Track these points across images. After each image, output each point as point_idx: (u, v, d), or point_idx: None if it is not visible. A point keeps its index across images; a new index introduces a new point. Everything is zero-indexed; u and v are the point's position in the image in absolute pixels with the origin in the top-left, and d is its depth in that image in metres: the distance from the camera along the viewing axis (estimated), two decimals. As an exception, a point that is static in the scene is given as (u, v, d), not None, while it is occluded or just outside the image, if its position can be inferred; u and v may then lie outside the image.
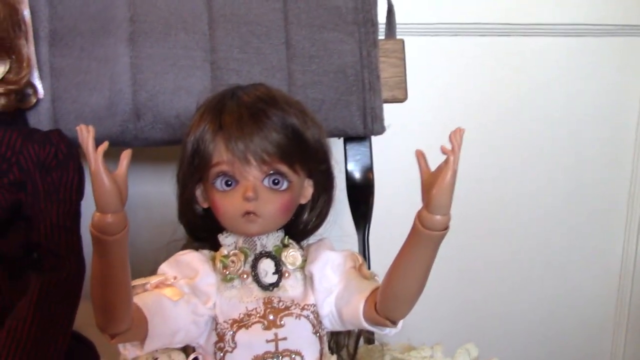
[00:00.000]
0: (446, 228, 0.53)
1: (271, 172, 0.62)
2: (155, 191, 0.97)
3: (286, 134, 0.62)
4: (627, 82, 1.33)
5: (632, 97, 1.34)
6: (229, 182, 0.62)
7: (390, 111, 0.95)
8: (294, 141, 0.62)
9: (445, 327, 1.31)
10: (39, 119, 0.83)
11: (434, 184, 0.51)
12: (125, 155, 0.50)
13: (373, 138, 0.95)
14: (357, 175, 0.94)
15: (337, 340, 0.73)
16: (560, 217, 1.37)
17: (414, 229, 0.53)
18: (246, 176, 0.61)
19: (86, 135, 0.47)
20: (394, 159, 1.13)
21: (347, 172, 0.94)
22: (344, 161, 0.94)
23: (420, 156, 0.54)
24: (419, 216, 0.52)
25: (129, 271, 0.52)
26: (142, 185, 1.02)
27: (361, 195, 0.94)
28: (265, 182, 0.62)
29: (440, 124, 1.21)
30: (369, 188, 0.94)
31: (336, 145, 0.97)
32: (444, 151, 0.51)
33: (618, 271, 1.45)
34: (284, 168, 0.62)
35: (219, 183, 0.62)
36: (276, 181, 0.62)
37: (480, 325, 1.37)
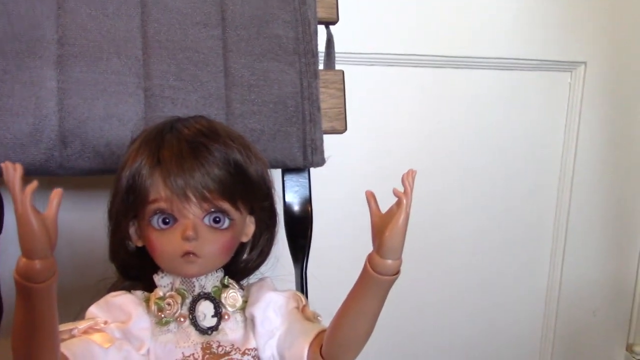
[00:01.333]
0: (397, 272, 0.51)
1: (212, 209, 0.59)
2: (81, 223, 0.92)
3: (228, 169, 0.59)
4: (552, 113, 1.38)
5: (557, 127, 1.40)
6: (167, 220, 0.58)
7: (328, 141, 0.94)
8: (236, 177, 0.60)
9: (382, 358, 1.30)
10: (-46, 146, 0.77)
11: (386, 227, 0.50)
12: (55, 195, 0.46)
13: (311, 169, 0.93)
14: (295, 207, 0.92)
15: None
16: (489, 240, 1.40)
17: (364, 273, 0.51)
18: (186, 214, 0.58)
19: (12, 173, 0.43)
20: (332, 191, 1.12)
21: (285, 204, 0.91)
22: (282, 192, 0.92)
23: (371, 197, 0.52)
24: (370, 260, 0.51)
25: (57, 320, 0.48)
26: (67, 216, 0.96)
27: (299, 228, 0.92)
28: (206, 220, 0.59)
29: (378, 152, 1.22)
30: (307, 220, 0.92)
31: (274, 177, 0.95)
32: (396, 194, 0.50)
33: (544, 293, 1.49)
34: (225, 205, 0.59)
35: (156, 221, 0.58)
36: (217, 219, 0.59)
37: (415, 346, 1.37)
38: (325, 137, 0.92)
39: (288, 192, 0.92)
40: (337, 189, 1.14)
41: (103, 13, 0.82)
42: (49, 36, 0.80)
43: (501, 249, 1.41)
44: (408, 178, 0.50)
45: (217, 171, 0.58)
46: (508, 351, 1.49)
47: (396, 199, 0.50)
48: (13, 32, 0.79)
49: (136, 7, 0.83)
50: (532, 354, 1.52)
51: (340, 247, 1.07)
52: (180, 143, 0.59)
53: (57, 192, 0.46)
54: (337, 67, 0.95)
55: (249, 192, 0.61)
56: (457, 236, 1.36)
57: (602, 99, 1.38)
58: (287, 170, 0.91)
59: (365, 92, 1.18)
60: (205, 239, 0.58)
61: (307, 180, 0.92)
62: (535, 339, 1.52)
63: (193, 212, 0.58)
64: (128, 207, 0.60)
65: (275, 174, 0.93)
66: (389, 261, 0.50)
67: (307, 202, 0.92)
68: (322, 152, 0.88)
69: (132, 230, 0.62)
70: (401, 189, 0.50)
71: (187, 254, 0.58)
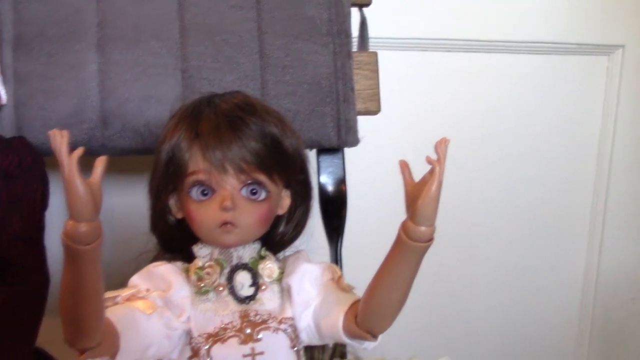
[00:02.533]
0: (431, 239, 0.52)
1: (249, 181, 0.60)
2: (121, 202, 0.94)
3: (265, 143, 0.60)
4: (589, 98, 1.36)
5: (594, 113, 1.38)
6: (205, 192, 0.60)
7: (362, 123, 0.95)
8: (272, 150, 0.61)
9: (417, 340, 1.31)
10: (2, 125, 0.80)
11: (419, 195, 0.50)
12: (100, 162, 0.48)
13: (346, 150, 0.94)
14: (329, 187, 0.93)
15: (311, 355, 0.72)
16: (526, 229, 1.39)
17: (398, 240, 0.52)
18: (223, 185, 0.59)
19: (59, 140, 0.45)
20: (366, 171, 1.12)
21: (319, 184, 0.93)
22: (317, 173, 0.93)
23: (405, 167, 0.53)
24: (404, 227, 0.52)
25: (102, 283, 0.50)
26: (106, 196, 0.99)
27: (334, 208, 0.93)
28: (243, 191, 0.60)
29: (411, 136, 1.22)
30: (341, 200, 0.93)
31: (309, 157, 0.96)
32: (429, 161, 0.50)
33: (581, 282, 1.48)
34: (262, 178, 0.60)
35: (195, 193, 0.60)
36: (254, 191, 0.61)
37: (452, 335, 1.38)
38: (359, 118, 0.93)
39: (322, 173, 0.93)
40: (371, 170, 1.15)
41: (142, -4, 0.85)
42: (89, 20, 0.83)
43: (538, 236, 1.40)
44: (441, 146, 0.50)
45: (254, 144, 0.59)
46: (545, 339, 1.48)
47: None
48: (57, 17, 0.82)
49: (174, -9, 0.85)
50: (569, 341, 1.51)
51: (373, 227, 1.07)
52: (217, 117, 0.60)
53: (101, 160, 0.48)
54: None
55: (284, 164, 0.62)
56: (494, 223, 1.36)
57: (641, 84, 1.36)
58: (321, 151, 0.93)
59: (398, 77, 1.19)
60: (243, 210, 0.60)
61: (341, 161, 0.93)
62: (573, 327, 1.50)
63: (230, 184, 0.59)
64: (168, 179, 0.62)
65: (310, 156, 0.95)
66: (423, 228, 0.51)
67: (341, 182, 0.93)
68: (355, 132, 0.89)
69: (171, 203, 0.64)
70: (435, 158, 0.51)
71: (225, 224, 0.59)
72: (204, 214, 0.60)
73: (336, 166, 0.93)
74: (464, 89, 1.25)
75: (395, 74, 1.17)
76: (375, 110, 0.93)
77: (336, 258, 0.92)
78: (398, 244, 0.52)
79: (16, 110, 0.80)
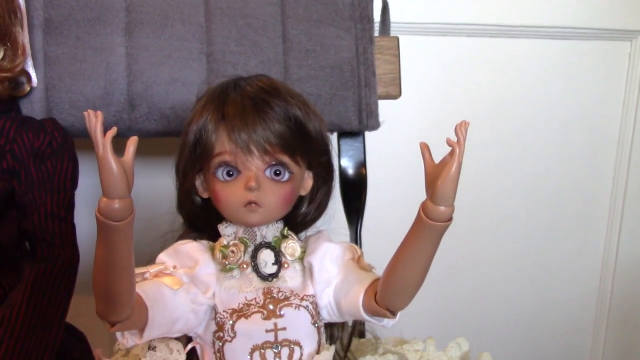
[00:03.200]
0: (450, 219, 0.53)
1: (273, 162, 0.62)
2: (148, 183, 0.97)
3: (289, 125, 0.62)
4: (610, 84, 1.36)
5: (615, 99, 1.37)
6: (231, 172, 0.62)
7: (382, 107, 0.96)
8: (296, 132, 0.63)
9: (434, 322, 1.33)
10: (32, 107, 0.82)
11: (439, 176, 0.52)
12: (132, 142, 0.50)
13: (366, 134, 0.95)
14: (350, 170, 0.95)
15: (331, 333, 0.73)
16: (545, 216, 1.39)
17: (418, 220, 0.54)
18: (248, 166, 0.61)
19: (94, 120, 0.47)
20: (386, 155, 1.14)
21: (340, 168, 0.94)
22: (337, 157, 0.95)
23: (425, 148, 0.54)
24: (424, 207, 0.53)
25: (133, 258, 0.52)
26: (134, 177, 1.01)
27: (354, 191, 0.95)
28: (267, 172, 0.62)
29: (431, 121, 1.23)
30: (362, 183, 0.95)
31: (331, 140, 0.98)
32: (449, 143, 0.52)
33: (599, 270, 1.48)
34: (285, 159, 0.62)
35: (221, 173, 0.62)
36: (278, 172, 0.62)
37: (470, 320, 1.39)
38: (380, 102, 0.94)
39: (343, 157, 0.95)
40: (391, 154, 1.16)
41: (168, -18, 0.86)
42: (118, 5, 0.84)
43: (557, 223, 1.41)
44: (461, 128, 0.52)
45: (278, 126, 0.61)
46: (562, 327, 1.48)
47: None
48: (85, 1, 0.84)
49: (200, -24, 0.87)
50: (586, 330, 1.51)
51: (392, 209, 1.09)
52: (243, 99, 0.62)
53: (132, 140, 0.50)
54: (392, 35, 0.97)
55: (307, 146, 0.64)
56: (513, 211, 1.36)
57: (663, 70, 1.35)
58: (342, 135, 0.94)
59: (419, 61, 1.19)
60: (267, 190, 0.62)
61: (362, 145, 0.95)
62: (590, 316, 1.51)
63: (255, 165, 0.61)
64: (195, 159, 0.64)
65: (331, 139, 0.96)
66: (442, 208, 0.52)
67: (362, 166, 0.95)
68: (376, 116, 0.91)
69: (198, 183, 0.66)
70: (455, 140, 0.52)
71: (249, 203, 0.61)
72: (230, 193, 0.62)
73: (357, 149, 0.94)
74: (485, 74, 1.25)
75: (416, 59, 1.18)
76: (396, 95, 0.94)
77: (356, 239, 0.94)
78: (418, 223, 0.54)
79: (46, 92, 0.82)
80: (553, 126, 1.34)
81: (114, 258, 0.50)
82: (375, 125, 0.91)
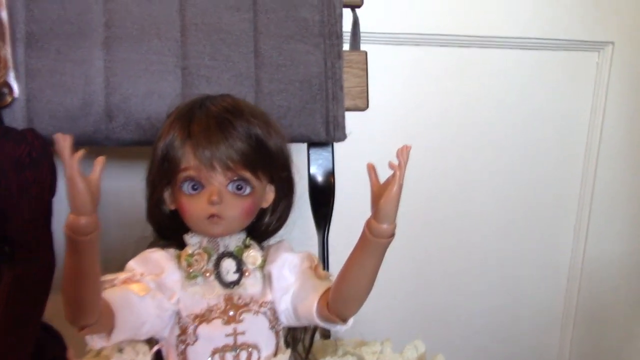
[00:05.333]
0: (392, 235, 0.58)
1: (235, 178, 0.66)
2: (125, 189, 1.01)
3: (250, 143, 0.66)
4: (579, 93, 1.41)
5: (583, 107, 1.43)
6: (196, 187, 0.66)
7: (352, 118, 1.00)
8: (257, 150, 0.67)
9: (396, 324, 1.37)
10: (14, 117, 0.86)
11: (382, 195, 0.56)
12: (99, 162, 0.54)
13: (336, 144, 1.00)
14: (319, 178, 0.99)
15: (293, 335, 0.78)
16: (513, 216, 1.44)
17: (362, 236, 0.59)
18: (212, 182, 0.66)
19: (63, 143, 0.51)
20: (355, 164, 1.18)
21: (309, 176, 0.99)
22: (307, 165, 0.99)
23: (371, 169, 0.59)
24: (368, 225, 0.58)
25: (100, 268, 0.56)
26: (112, 183, 1.05)
27: (322, 198, 0.99)
28: (230, 187, 0.67)
29: (401, 131, 1.28)
30: (330, 191, 0.99)
31: (300, 150, 1.02)
32: (391, 166, 0.56)
33: (567, 269, 1.53)
34: (247, 174, 0.67)
35: (186, 187, 0.67)
36: (239, 187, 0.67)
37: (429, 322, 1.44)
38: (350, 113, 0.99)
39: (312, 165, 0.99)
40: (359, 163, 1.20)
41: (145, -2, 0.90)
42: (97, 20, 0.88)
43: (524, 223, 1.46)
44: (402, 153, 0.56)
45: (240, 144, 0.66)
46: (529, 326, 1.54)
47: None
48: (66, 16, 0.87)
49: (175, -8, 0.91)
50: (553, 328, 1.57)
51: (359, 216, 1.14)
52: (208, 119, 0.66)
53: (100, 159, 0.54)
54: (363, 46, 1.01)
55: (268, 163, 0.69)
56: (480, 210, 1.41)
57: (630, 80, 1.40)
58: (312, 144, 0.98)
59: (390, 71, 1.24)
60: (229, 204, 0.66)
61: (330, 154, 0.99)
62: (557, 314, 1.56)
63: (218, 180, 0.66)
64: (163, 174, 0.68)
65: (302, 148, 1.01)
66: (385, 225, 0.57)
67: (330, 174, 0.99)
68: (343, 127, 0.95)
69: (166, 195, 0.70)
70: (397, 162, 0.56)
71: (212, 216, 0.66)
72: (194, 206, 0.66)
73: (325, 159, 0.99)
74: (453, 84, 1.30)
75: (386, 69, 1.22)
76: (363, 107, 0.98)
77: (323, 244, 0.99)
78: (362, 240, 0.59)
79: (27, 103, 0.86)
80: (523, 133, 1.39)
81: (80, 269, 0.54)
82: (341, 136, 0.95)
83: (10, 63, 0.85)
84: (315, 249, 0.99)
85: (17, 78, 0.86)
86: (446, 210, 1.37)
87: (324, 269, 0.96)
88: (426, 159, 1.31)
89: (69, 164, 0.50)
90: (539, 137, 1.41)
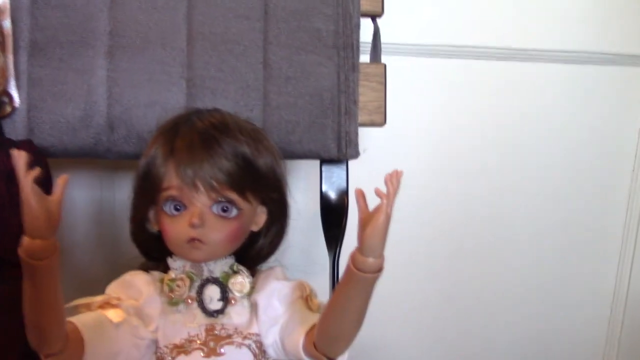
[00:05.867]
0: (379, 270, 0.52)
1: (220, 199, 0.62)
2: (122, 203, 0.98)
3: (237, 162, 0.62)
4: (625, 111, 1.31)
5: (630, 126, 1.33)
6: (178, 207, 0.62)
7: (369, 134, 0.95)
8: (244, 169, 0.62)
9: (422, 354, 1.30)
10: (15, 127, 0.84)
11: (367, 226, 0.51)
12: (61, 181, 0.50)
13: (351, 161, 0.94)
14: (331, 197, 0.94)
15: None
16: (555, 243, 1.35)
17: (347, 270, 0.53)
18: (194, 202, 0.61)
19: (19, 160, 0.47)
20: (371, 184, 1.12)
21: (321, 194, 0.93)
22: (319, 182, 0.94)
23: (360, 196, 0.53)
24: (352, 258, 0.52)
25: (61, 294, 0.52)
26: (107, 195, 1.04)
27: (334, 218, 0.94)
28: (214, 209, 0.62)
29: (422, 149, 1.21)
30: (342, 210, 0.94)
31: (313, 166, 0.97)
32: (378, 194, 0.51)
33: (610, 299, 1.43)
34: (233, 196, 0.62)
35: (168, 207, 0.62)
36: (225, 208, 0.62)
37: (458, 353, 1.36)
38: (366, 129, 0.93)
39: (325, 182, 0.94)
40: (377, 182, 1.15)
41: (152, 6, 0.87)
42: (101, 28, 0.85)
43: (567, 249, 1.36)
44: (392, 179, 0.50)
45: (226, 163, 0.61)
46: (570, 355, 1.44)
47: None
48: (69, 24, 0.85)
49: (183, 0, 0.87)
50: (595, 354, 1.47)
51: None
52: (192, 135, 0.62)
53: (62, 178, 0.50)
54: (383, 58, 0.95)
55: (257, 183, 0.64)
56: (522, 235, 1.33)
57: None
58: (325, 161, 0.93)
59: (412, 85, 1.17)
60: (212, 227, 0.61)
61: (344, 172, 0.94)
62: (599, 344, 1.46)
63: (201, 201, 0.61)
64: (144, 192, 0.64)
65: (314, 164, 0.95)
66: (370, 259, 0.51)
67: (344, 194, 0.94)
68: (356, 145, 0.89)
69: (151, 215, 0.66)
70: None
71: (192, 240, 0.61)
72: (174, 228, 0.62)
73: (339, 177, 0.93)
74: (484, 100, 1.22)
75: (408, 82, 1.16)
76: (380, 123, 0.92)
77: (333, 266, 0.93)
78: (347, 274, 0.53)
79: (28, 113, 0.84)
80: (565, 153, 1.30)
81: (39, 295, 0.51)
82: (354, 154, 0.89)
83: (11, 72, 0.82)
84: (326, 272, 0.94)
85: (19, 87, 0.84)
86: (479, 234, 1.29)
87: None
88: (453, 181, 1.24)
89: (23, 182, 0.47)
90: (583, 157, 1.31)
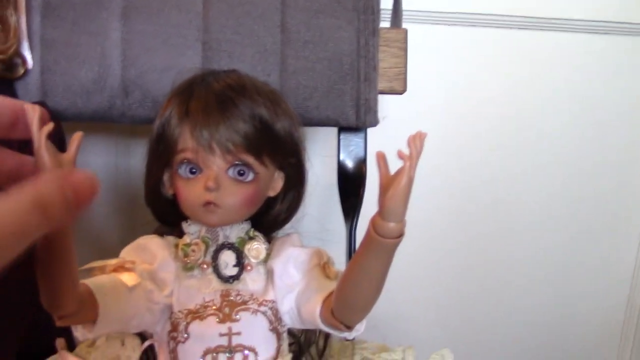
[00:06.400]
0: (400, 236, 0.50)
1: (236, 162, 0.60)
2: (137, 168, 0.97)
3: (254, 124, 0.60)
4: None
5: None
6: (193, 170, 0.60)
7: (388, 102, 0.92)
8: (261, 132, 0.60)
9: (426, 333, 1.29)
10: (28, 90, 0.82)
11: (389, 189, 0.49)
12: (76, 137, 0.48)
13: (370, 129, 0.92)
14: (349, 165, 0.92)
15: (307, 336, 0.72)
16: (573, 221, 1.32)
17: (367, 235, 0.51)
18: (210, 165, 0.59)
19: (32, 114, 0.45)
20: (390, 152, 1.10)
21: (339, 162, 0.91)
22: (337, 151, 0.92)
23: (380, 159, 0.51)
24: (373, 222, 0.50)
25: (74, 255, 0.51)
26: (123, 162, 1.02)
27: (352, 187, 0.92)
28: (230, 172, 0.60)
29: (442, 118, 1.18)
30: (360, 180, 0.92)
31: (331, 134, 0.95)
32: (400, 156, 0.48)
33: (630, 280, 1.40)
34: (250, 159, 0.60)
35: (183, 170, 0.61)
36: (241, 172, 0.60)
37: (463, 335, 1.34)
38: (385, 97, 0.91)
39: (343, 151, 0.92)
40: (395, 151, 1.12)
41: (167, -34, 0.84)
42: (115, -12, 0.83)
43: (585, 231, 1.33)
44: (415, 141, 0.48)
45: (242, 125, 0.59)
46: (585, 341, 1.41)
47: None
48: (83, -16, 0.83)
49: (199, -39, 0.85)
50: (610, 347, 1.44)
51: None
52: (208, 96, 0.60)
53: (77, 135, 0.48)
54: (404, 25, 0.92)
55: (274, 147, 0.62)
56: (536, 215, 1.30)
57: None
58: (342, 129, 0.91)
59: (434, 53, 1.14)
60: (227, 191, 0.60)
61: (362, 140, 0.92)
62: (617, 329, 1.43)
63: (217, 164, 0.59)
64: (158, 155, 0.62)
65: (332, 132, 0.93)
66: (391, 224, 0.49)
67: (362, 162, 0.92)
68: (375, 112, 0.87)
69: (165, 178, 0.64)
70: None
71: (207, 203, 0.59)
72: (190, 192, 0.60)
73: (357, 145, 0.91)
74: (506, 70, 1.19)
75: (429, 50, 1.13)
76: (400, 90, 0.90)
77: (350, 236, 0.91)
78: (367, 239, 0.51)
79: (42, 75, 0.82)
80: (586, 128, 1.26)
81: (52, 256, 0.49)
82: (373, 121, 0.87)
83: (23, 33, 0.81)
84: (343, 242, 0.92)
85: (32, 48, 0.82)
86: (491, 213, 1.26)
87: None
88: (469, 154, 1.21)
89: (37, 137, 0.45)
90: (604, 135, 1.27)
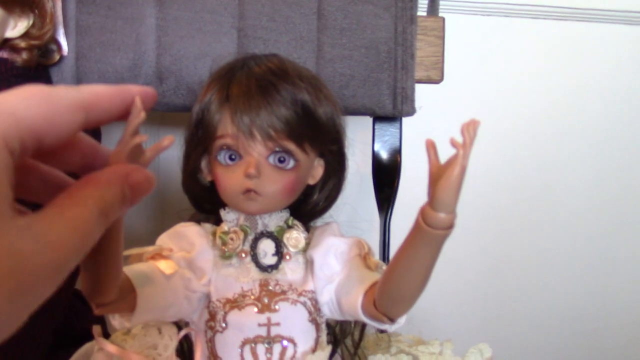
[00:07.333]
0: (450, 227, 0.48)
1: (277, 149, 0.58)
2: (174, 155, 0.96)
3: (296, 110, 0.58)
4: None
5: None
6: (233, 157, 0.59)
7: (424, 91, 0.90)
8: (303, 118, 0.59)
9: (462, 325, 1.27)
10: (62, 76, 0.82)
11: (441, 179, 0.47)
12: (167, 140, 0.42)
13: (404, 119, 0.90)
14: (384, 156, 0.90)
15: (342, 328, 0.70)
16: (610, 215, 1.29)
17: (416, 225, 0.49)
18: (250, 152, 0.58)
19: (136, 115, 0.40)
20: (423, 141, 1.08)
21: (373, 153, 0.90)
22: (371, 141, 0.90)
23: (431, 147, 0.49)
24: (422, 212, 0.48)
25: (122, 243, 0.50)
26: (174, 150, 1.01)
27: (386, 178, 0.90)
28: (271, 159, 0.59)
29: (479, 109, 1.16)
30: (395, 170, 0.90)
31: (365, 124, 0.93)
32: (453, 144, 0.47)
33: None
34: (291, 146, 0.59)
35: (223, 157, 0.59)
36: (282, 159, 0.59)
37: (500, 327, 1.31)
38: (421, 86, 0.89)
39: (377, 141, 0.90)
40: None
41: (203, -48, 0.83)
42: (151, -26, 0.82)
43: (623, 225, 1.31)
44: (468, 128, 0.46)
45: (284, 111, 0.58)
46: (620, 338, 1.38)
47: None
48: (118, -31, 0.82)
49: (235, -53, 0.83)
50: None
51: (425, 200, 1.05)
52: (249, 80, 0.59)
53: (168, 139, 0.40)
54: (441, 14, 0.91)
55: (316, 133, 0.60)
56: (568, 208, 1.27)
57: None
58: (378, 118, 0.89)
59: (471, 43, 1.12)
60: (268, 178, 0.58)
61: (398, 130, 0.90)
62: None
63: (257, 151, 0.58)
64: (197, 141, 0.61)
65: (366, 121, 0.92)
66: (442, 214, 0.47)
67: (397, 153, 0.90)
68: (412, 101, 0.85)
69: (203, 164, 0.63)
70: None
71: (248, 191, 0.58)
72: (229, 179, 0.59)
73: (392, 135, 0.90)
74: (543, 61, 1.16)
75: (466, 40, 1.11)
76: (437, 79, 0.88)
77: (384, 228, 0.90)
78: (416, 229, 0.49)
79: (76, 61, 0.82)
80: (625, 121, 1.24)
81: (101, 243, 0.48)
82: (410, 111, 0.85)
83: (59, 18, 0.80)
84: (376, 233, 0.91)
85: (67, 35, 0.81)
86: (528, 206, 1.24)
87: (383, 257, 0.89)
88: (505, 146, 1.19)
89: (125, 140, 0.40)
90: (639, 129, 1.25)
